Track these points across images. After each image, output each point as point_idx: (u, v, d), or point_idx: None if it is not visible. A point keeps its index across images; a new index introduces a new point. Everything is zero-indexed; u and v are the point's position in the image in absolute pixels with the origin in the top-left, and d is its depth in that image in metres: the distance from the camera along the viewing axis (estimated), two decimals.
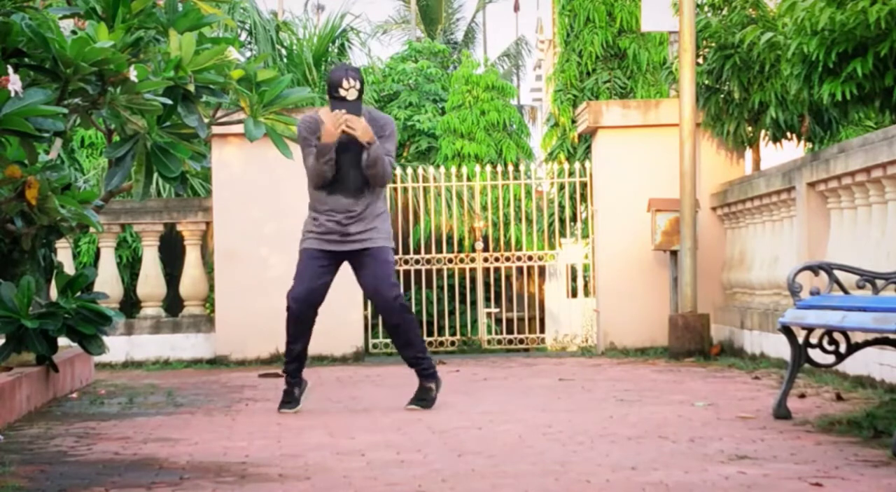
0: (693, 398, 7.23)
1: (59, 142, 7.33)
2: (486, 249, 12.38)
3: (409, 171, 12.15)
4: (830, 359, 6.22)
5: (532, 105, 48.84)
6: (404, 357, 7.03)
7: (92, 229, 6.74)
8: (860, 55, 7.64)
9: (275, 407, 7.30)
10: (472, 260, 12.14)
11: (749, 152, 11.31)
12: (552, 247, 13.13)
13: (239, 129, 5.99)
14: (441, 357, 11.12)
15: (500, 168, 12.42)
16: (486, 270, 12.36)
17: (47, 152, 7.32)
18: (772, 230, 9.74)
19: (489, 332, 13.63)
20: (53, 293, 7.18)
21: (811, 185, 8.57)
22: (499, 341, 12.08)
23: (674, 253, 10.82)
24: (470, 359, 11.02)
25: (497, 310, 14.25)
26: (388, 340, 11.82)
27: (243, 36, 16.41)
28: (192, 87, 5.45)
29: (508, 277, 14.11)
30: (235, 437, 5.92)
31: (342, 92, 6.77)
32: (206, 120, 5.72)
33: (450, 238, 12.92)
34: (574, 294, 14.43)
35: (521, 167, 12.30)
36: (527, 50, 44.97)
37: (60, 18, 5.09)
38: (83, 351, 7.51)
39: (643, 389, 7.97)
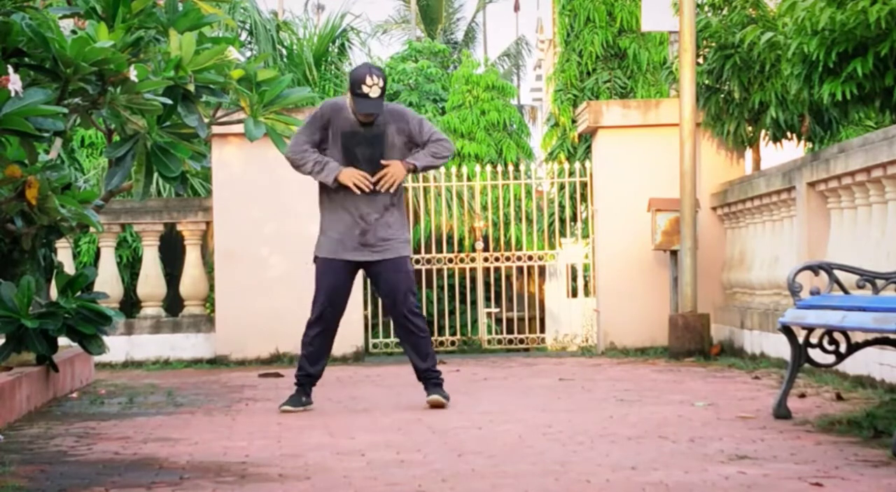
0: (693, 398, 7.23)
1: (59, 142, 7.34)
2: (486, 249, 12.38)
3: None
4: (830, 359, 6.22)
5: (532, 105, 48.85)
6: (415, 367, 7.03)
7: (92, 229, 6.74)
8: (860, 55, 7.64)
9: (275, 407, 7.30)
10: (473, 260, 12.14)
11: (749, 152, 11.31)
12: (552, 247, 13.13)
13: (239, 128, 5.99)
14: (441, 357, 11.11)
15: (500, 168, 12.42)
16: (487, 270, 12.36)
17: (47, 152, 7.32)
18: (772, 230, 9.74)
19: (489, 332, 13.62)
20: (53, 293, 7.18)
21: (811, 185, 8.57)
22: (499, 341, 12.08)
23: (674, 253, 10.82)
24: (470, 359, 11.02)
25: (497, 310, 14.26)
26: (388, 340, 11.84)
27: (244, 36, 16.41)
28: (192, 87, 5.45)
29: (508, 277, 14.12)
30: (235, 437, 5.91)
31: (365, 89, 6.73)
32: (206, 120, 5.72)
33: (450, 238, 12.93)
34: (574, 294, 14.44)
35: (522, 167, 12.30)
36: (527, 50, 45.00)
37: (60, 18, 5.10)
38: (83, 351, 7.51)
39: (643, 389, 7.96)
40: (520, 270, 13.32)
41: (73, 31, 5.04)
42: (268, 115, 5.94)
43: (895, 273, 6.20)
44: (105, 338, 7.25)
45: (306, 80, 16.38)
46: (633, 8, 15.85)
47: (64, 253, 10.96)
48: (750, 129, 10.74)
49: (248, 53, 16.00)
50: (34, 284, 6.71)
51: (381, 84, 6.76)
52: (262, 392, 8.27)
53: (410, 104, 20.15)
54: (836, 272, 6.25)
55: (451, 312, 13.22)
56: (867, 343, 6.27)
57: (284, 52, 16.99)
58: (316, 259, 7.06)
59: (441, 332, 12.05)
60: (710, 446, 5.28)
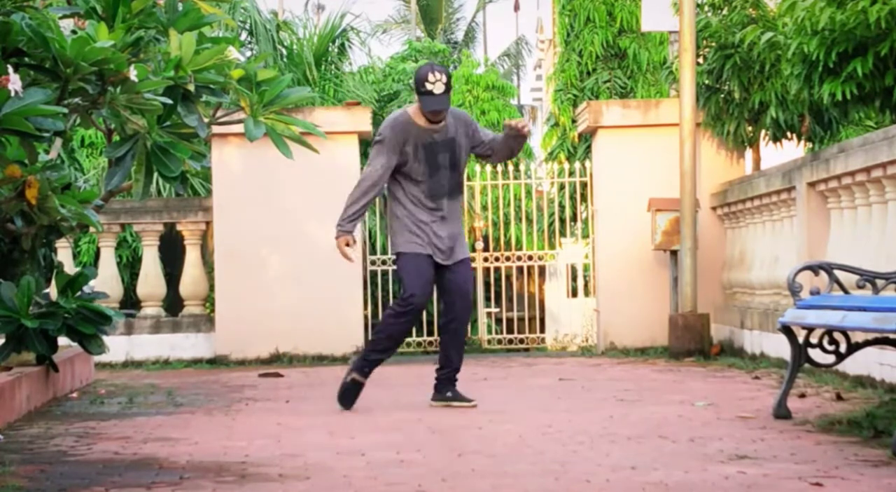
0: (693, 398, 7.23)
1: (59, 141, 7.33)
2: (486, 249, 12.38)
3: None
4: (830, 359, 6.22)
5: (532, 105, 48.84)
6: (446, 363, 7.07)
7: (92, 229, 6.73)
8: (860, 55, 7.64)
9: (275, 407, 7.31)
10: (472, 260, 12.14)
11: (749, 152, 11.31)
12: (552, 247, 13.13)
13: (239, 128, 5.98)
14: None
15: (500, 168, 12.43)
16: (487, 270, 12.36)
17: (47, 152, 7.31)
18: (772, 230, 9.74)
19: (489, 331, 13.62)
20: (53, 293, 7.18)
21: (811, 184, 8.57)
22: (499, 341, 12.08)
23: (674, 253, 10.82)
24: (470, 359, 11.01)
25: (497, 310, 14.27)
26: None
27: (244, 36, 16.40)
28: (192, 87, 5.45)
29: (508, 277, 14.11)
30: (235, 437, 5.91)
31: (429, 86, 6.79)
32: (206, 120, 5.72)
33: None
34: (574, 294, 14.43)
35: (522, 167, 12.30)
36: (527, 50, 45.00)
37: (60, 18, 5.09)
38: (83, 351, 7.51)
39: (643, 388, 7.96)
40: (520, 270, 13.31)
41: (73, 31, 5.03)
42: (268, 115, 5.93)
43: (895, 273, 6.21)
44: (105, 338, 7.25)
45: (306, 79, 16.37)
46: (633, 8, 15.85)
47: (64, 253, 10.96)
48: (750, 129, 10.74)
49: (248, 53, 15.99)
50: (34, 283, 6.71)
51: (445, 79, 6.83)
52: (262, 392, 8.26)
53: (410, 103, 20.12)
54: (836, 272, 6.26)
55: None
56: (867, 343, 6.27)
57: (284, 51, 16.99)
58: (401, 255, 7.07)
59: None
60: (710, 445, 5.28)
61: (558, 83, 16.68)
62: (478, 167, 12.70)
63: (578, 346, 12.39)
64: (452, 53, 30.84)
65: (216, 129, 8.39)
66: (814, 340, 6.19)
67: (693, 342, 10.36)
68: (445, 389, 7.02)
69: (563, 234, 13.47)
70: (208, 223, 11.42)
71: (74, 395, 8.11)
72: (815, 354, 6.21)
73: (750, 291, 10.21)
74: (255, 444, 5.62)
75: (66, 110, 4.91)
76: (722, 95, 10.67)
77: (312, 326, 11.04)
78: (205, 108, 5.79)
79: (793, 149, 11.12)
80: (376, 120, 15.39)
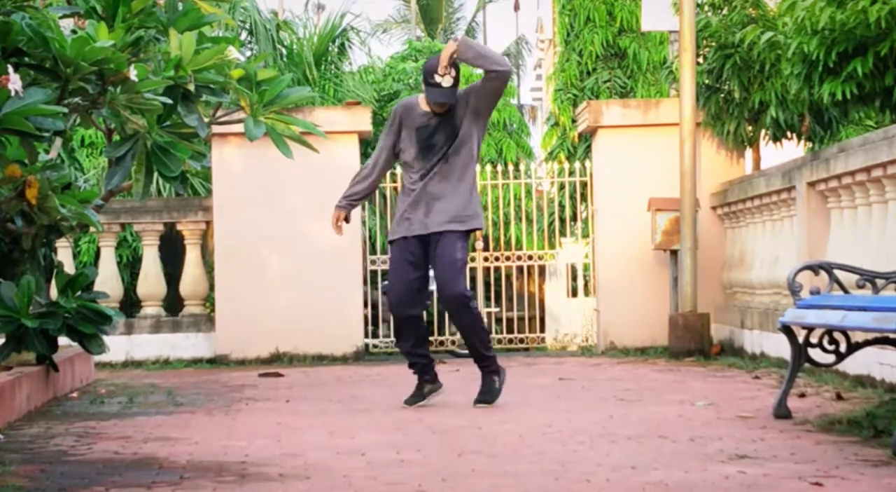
0: (693, 398, 7.23)
1: (59, 141, 7.33)
2: (486, 249, 12.37)
3: None
4: (830, 358, 6.22)
5: (532, 104, 48.84)
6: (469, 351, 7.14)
7: (92, 229, 6.73)
8: (860, 55, 7.64)
9: (275, 406, 7.31)
10: (472, 259, 12.14)
11: (749, 152, 11.31)
12: (552, 246, 13.13)
13: (239, 128, 5.98)
14: (441, 357, 11.11)
15: (500, 167, 12.42)
16: (486, 270, 12.35)
17: (47, 152, 7.32)
18: (772, 230, 9.74)
19: (489, 331, 13.59)
20: (53, 293, 7.18)
21: (811, 184, 8.56)
22: (499, 341, 12.07)
23: (674, 252, 10.82)
24: (470, 358, 11.00)
25: (497, 309, 14.24)
26: (388, 340, 11.83)
27: (244, 35, 16.39)
28: (192, 87, 5.45)
29: (508, 277, 14.10)
30: (235, 436, 5.91)
31: (437, 78, 6.82)
32: (206, 119, 5.72)
33: None
34: (574, 294, 14.42)
35: (522, 167, 12.30)
36: (527, 49, 45.00)
37: (60, 18, 5.09)
38: (83, 350, 7.51)
39: (643, 388, 7.97)
40: (520, 269, 13.31)
41: (73, 31, 5.03)
42: (268, 114, 5.93)
43: (895, 273, 6.20)
44: (105, 337, 7.25)
45: (306, 79, 16.36)
46: (633, 7, 15.85)
47: (64, 253, 10.96)
48: (750, 128, 10.74)
49: (248, 53, 15.99)
50: (34, 283, 6.71)
51: (454, 73, 6.86)
52: (262, 392, 8.26)
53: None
54: (836, 272, 6.25)
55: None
56: (867, 343, 6.27)
57: (284, 51, 16.98)
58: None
59: (441, 331, 12.03)
60: (710, 445, 5.28)
61: (558, 83, 16.68)
62: (478, 167, 12.68)
63: (578, 345, 12.38)
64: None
65: (216, 128, 8.40)
66: (814, 339, 6.19)
67: (693, 342, 10.36)
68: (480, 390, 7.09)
69: (563, 233, 13.47)
70: (208, 223, 11.42)
71: (74, 394, 8.11)
72: (815, 353, 6.21)
73: (750, 290, 10.21)
74: (255, 444, 5.62)
75: (66, 110, 4.91)
76: (722, 95, 10.67)
77: (312, 325, 11.04)
78: (205, 108, 5.79)
79: (793, 149, 11.12)
80: (376, 120, 15.39)
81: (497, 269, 12.60)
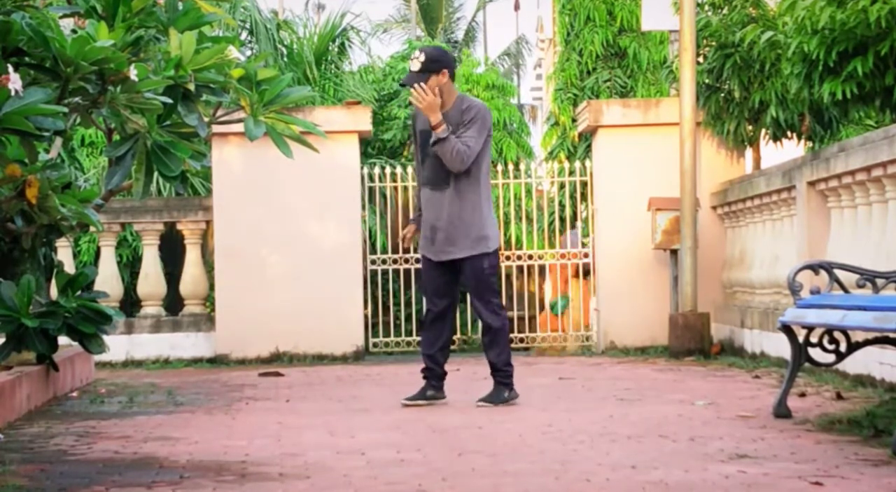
0: (693, 397, 7.23)
1: (59, 141, 7.33)
2: None
3: (410, 170, 12.14)
4: (831, 358, 6.22)
5: (532, 104, 48.81)
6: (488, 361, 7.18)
7: (92, 228, 6.73)
8: (860, 54, 7.64)
9: (275, 406, 7.31)
10: None
11: (749, 151, 11.31)
12: (552, 246, 13.12)
13: (239, 128, 5.97)
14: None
15: (500, 167, 12.41)
16: None
17: (47, 151, 7.31)
18: (772, 229, 9.74)
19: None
20: (53, 292, 7.18)
21: (811, 184, 8.56)
22: None
23: (674, 252, 10.82)
24: (470, 358, 11.01)
25: None
26: (388, 340, 11.82)
27: (244, 35, 16.39)
28: (192, 87, 5.44)
29: (508, 276, 14.09)
30: (235, 436, 5.91)
31: (409, 63, 7.08)
32: (206, 119, 5.71)
33: None
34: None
35: (522, 166, 12.29)
36: (527, 49, 44.97)
37: (60, 17, 5.09)
38: (83, 350, 7.51)
39: (643, 388, 7.97)
40: (520, 269, 13.30)
41: (74, 31, 5.03)
42: (268, 114, 5.92)
43: (895, 273, 6.20)
44: (105, 337, 7.25)
45: (306, 79, 16.36)
46: (633, 7, 15.83)
47: (64, 252, 10.96)
48: (750, 128, 10.74)
49: (249, 52, 15.98)
50: (34, 283, 6.70)
51: (422, 58, 6.98)
52: (262, 391, 8.27)
53: (410, 103, 20.17)
54: (837, 271, 6.26)
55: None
56: (867, 342, 6.27)
57: (284, 51, 16.98)
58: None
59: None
60: (710, 445, 5.29)
61: (558, 82, 16.66)
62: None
63: (578, 345, 12.37)
64: (453, 53, 30.85)
65: (216, 128, 8.39)
66: (814, 339, 6.19)
67: (693, 342, 10.36)
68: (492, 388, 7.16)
69: (563, 233, 13.45)
70: (208, 222, 11.42)
71: (75, 394, 8.11)
72: (815, 353, 6.21)
73: (750, 290, 10.21)
74: (255, 443, 5.62)
75: (66, 110, 4.91)
76: (722, 95, 10.67)
77: (312, 325, 11.04)
78: (205, 108, 5.79)
79: (793, 148, 11.12)
80: (376, 119, 15.40)
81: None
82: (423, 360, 7.22)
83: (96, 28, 4.96)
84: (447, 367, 7.27)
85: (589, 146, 12.62)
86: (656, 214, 10.80)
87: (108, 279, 11.04)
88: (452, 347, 11.85)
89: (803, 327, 6.17)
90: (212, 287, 11.46)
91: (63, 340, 7.26)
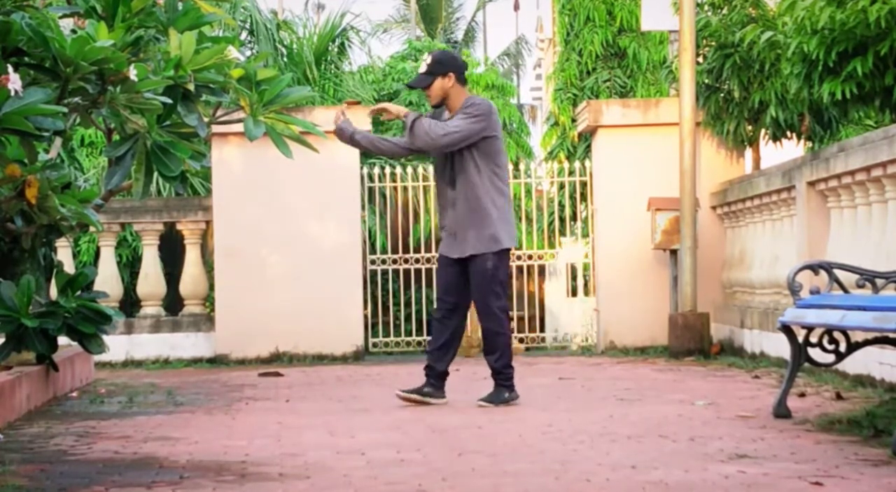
0: (693, 397, 7.23)
1: (58, 141, 7.33)
2: None
3: (409, 170, 12.14)
4: (830, 358, 6.22)
5: (532, 104, 48.82)
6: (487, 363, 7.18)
7: (92, 228, 6.73)
8: (860, 54, 7.64)
9: (275, 406, 7.31)
10: None
11: (749, 151, 11.31)
12: (552, 246, 13.13)
13: (239, 128, 5.98)
14: None
15: None
16: None
17: (47, 151, 7.31)
18: (772, 229, 9.74)
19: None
20: (53, 292, 7.18)
21: (811, 184, 8.56)
22: None
23: (674, 252, 10.82)
24: (470, 358, 11.01)
25: None
26: (388, 340, 11.82)
27: (244, 35, 16.40)
28: (191, 87, 5.44)
29: (509, 276, 14.13)
30: (235, 436, 5.91)
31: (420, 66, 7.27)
32: (205, 119, 5.71)
33: None
34: (574, 293, 14.42)
35: (521, 166, 12.30)
36: (527, 49, 44.97)
37: (60, 17, 5.09)
38: (83, 350, 7.51)
39: (643, 388, 7.97)
40: (520, 269, 13.30)
41: (73, 31, 5.03)
42: (268, 114, 5.92)
43: (895, 272, 6.20)
44: (105, 337, 7.25)
45: (306, 79, 16.36)
46: (632, 7, 15.84)
47: (64, 252, 10.96)
48: (750, 128, 10.74)
49: (248, 53, 15.99)
50: (34, 283, 6.70)
51: (429, 61, 7.14)
52: (262, 391, 8.26)
53: (410, 103, 20.18)
54: (836, 271, 6.26)
55: None
56: (867, 342, 6.27)
57: (284, 51, 16.98)
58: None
59: None
60: (710, 445, 5.28)
61: (558, 82, 16.67)
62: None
63: (578, 345, 12.39)
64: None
65: (216, 128, 8.40)
66: (814, 339, 6.19)
67: (693, 342, 10.36)
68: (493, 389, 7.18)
69: (562, 233, 13.47)
70: (208, 223, 11.42)
71: (74, 394, 8.11)
72: (814, 353, 6.21)
73: (750, 290, 10.21)
74: (255, 443, 5.62)
75: (65, 110, 4.91)
76: (722, 95, 10.67)
77: (312, 325, 11.04)
78: (205, 108, 5.79)
79: (792, 148, 11.12)
80: (376, 120, 15.38)
81: None
82: (428, 359, 7.23)
83: (96, 28, 4.96)
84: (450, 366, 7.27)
85: (589, 146, 12.63)
86: (656, 214, 10.80)
87: (107, 279, 11.04)
88: None
89: (803, 327, 6.17)
90: (212, 287, 11.46)
91: (63, 340, 7.26)
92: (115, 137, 5.81)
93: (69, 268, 9.62)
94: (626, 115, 11.36)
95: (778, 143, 10.60)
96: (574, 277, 14.23)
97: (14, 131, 4.63)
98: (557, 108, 16.55)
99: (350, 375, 9.54)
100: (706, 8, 10.73)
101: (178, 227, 11.48)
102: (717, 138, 11.03)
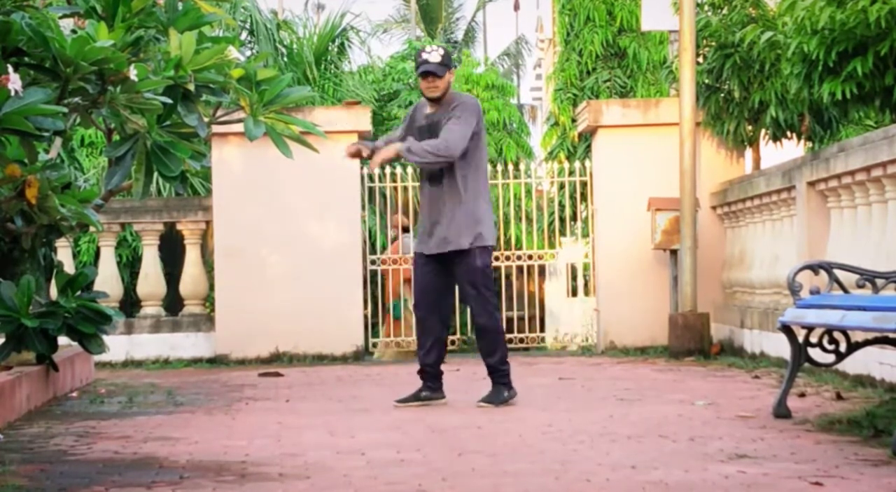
0: (693, 397, 7.23)
1: (58, 141, 7.33)
2: None
3: (410, 170, 12.14)
4: (830, 358, 6.22)
5: (532, 104, 48.82)
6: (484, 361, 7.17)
7: (92, 228, 6.73)
8: (860, 54, 7.64)
9: (275, 406, 7.31)
10: None
11: (749, 151, 11.31)
12: (552, 246, 13.13)
13: (239, 128, 5.97)
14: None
15: (500, 167, 12.42)
16: None
17: (47, 151, 7.32)
18: (772, 229, 9.74)
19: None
20: (53, 292, 7.18)
21: (811, 184, 8.56)
22: None
23: (674, 252, 10.81)
24: (470, 358, 11.01)
25: None
26: (388, 340, 11.83)
27: (244, 35, 16.41)
28: (192, 87, 5.44)
29: (508, 276, 14.10)
30: (235, 436, 5.91)
31: (424, 55, 7.09)
32: (206, 119, 5.71)
33: None
34: (574, 293, 14.44)
35: (521, 166, 12.30)
36: (527, 49, 44.96)
37: (60, 17, 5.09)
38: (83, 350, 7.51)
39: (643, 388, 7.97)
40: (520, 269, 13.30)
41: (73, 31, 5.03)
42: (268, 114, 5.92)
43: (895, 273, 6.20)
44: (105, 337, 7.25)
45: (306, 79, 16.38)
46: (633, 7, 15.85)
47: (64, 252, 10.96)
48: (750, 128, 10.74)
49: (249, 53, 16.00)
50: (34, 283, 6.70)
51: (441, 51, 7.13)
52: (262, 392, 8.27)
53: (410, 103, 20.19)
54: (836, 271, 6.26)
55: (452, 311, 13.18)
56: (867, 342, 6.27)
57: (284, 51, 16.99)
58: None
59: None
60: (710, 445, 5.29)
61: (558, 82, 16.68)
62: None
63: (578, 345, 12.39)
64: (452, 53, 30.86)
65: (216, 128, 8.39)
66: (814, 339, 6.19)
67: (693, 342, 10.36)
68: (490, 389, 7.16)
69: (562, 233, 13.47)
70: (208, 223, 11.42)
71: (74, 394, 8.11)
72: (814, 353, 6.21)
73: (750, 290, 10.21)
74: (255, 443, 5.62)
75: (66, 110, 4.91)
76: (722, 95, 10.67)
77: (312, 325, 11.04)
78: (205, 108, 5.79)
79: (793, 148, 11.12)
80: (376, 119, 15.40)
81: (497, 268, 12.60)
82: (418, 361, 7.24)
83: (96, 28, 4.96)
84: (445, 366, 7.27)
85: (589, 146, 12.63)
86: (656, 214, 10.80)
87: (107, 279, 11.04)
88: (452, 347, 11.91)
89: (803, 327, 6.17)
90: (212, 287, 11.46)
91: (63, 340, 7.27)
92: (115, 137, 5.81)
93: (69, 268, 9.62)
94: (626, 115, 11.36)
95: (778, 143, 10.60)
96: (574, 277, 14.24)
97: (14, 131, 4.63)
98: (557, 108, 16.55)
99: (350, 375, 9.54)
100: (706, 8, 10.73)
101: (178, 227, 11.48)
102: (717, 138, 11.03)
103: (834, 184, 8.16)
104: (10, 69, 4.52)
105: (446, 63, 7.07)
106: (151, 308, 11.44)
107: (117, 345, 10.65)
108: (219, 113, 6.19)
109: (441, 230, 7.07)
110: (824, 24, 7.56)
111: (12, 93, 4.47)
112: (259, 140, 6.06)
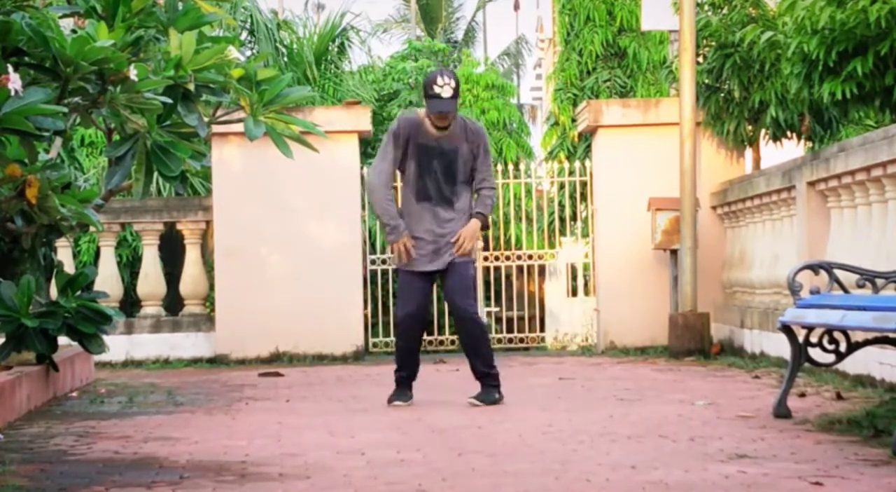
0: (693, 397, 7.23)
1: (59, 141, 7.33)
2: (486, 248, 12.37)
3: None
4: (830, 358, 6.22)
5: (532, 104, 48.80)
6: (472, 367, 7.16)
7: (92, 228, 6.73)
8: (860, 54, 7.64)
9: (275, 406, 7.31)
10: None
11: (749, 151, 11.31)
12: (552, 246, 13.13)
13: (239, 128, 5.97)
14: (441, 356, 11.12)
15: (500, 167, 12.42)
16: (486, 269, 12.35)
17: (47, 151, 7.31)
18: (772, 229, 9.74)
19: (489, 331, 13.60)
20: (53, 292, 7.18)
21: (811, 184, 8.56)
22: (499, 340, 12.07)
23: (674, 252, 10.82)
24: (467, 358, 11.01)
25: (497, 309, 14.25)
26: (388, 340, 11.83)
27: (244, 35, 16.40)
28: (192, 87, 5.44)
29: (508, 276, 14.10)
30: (235, 436, 5.91)
31: (437, 89, 6.93)
32: (206, 119, 5.71)
33: None
34: (574, 293, 14.41)
35: (522, 166, 12.30)
36: (527, 49, 44.95)
37: (60, 17, 5.09)
38: (83, 350, 7.51)
39: (643, 388, 7.97)
40: (520, 269, 13.31)
41: (73, 31, 5.03)
42: (268, 114, 5.92)
43: (895, 272, 6.20)
44: (105, 337, 7.25)
45: (306, 79, 16.37)
46: (633, 7, 15.85)
47: (64, 252, 10.96)
48: (750, 128, 10.74)
49: (249, 53, 16.00)
50: (34, 283, 6.70)
51: (454, 84, 6.97)
52: (262, 391, 8.27)
53: (410, 103, 20.19)
54: (836, 271, 6.26)
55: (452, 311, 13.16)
56: (867, 342, 6.27)
57: (284, 51, 16.98)
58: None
59: (441, 331, 12.04)
60: (710, 445, 5.29)
61: (558, 82, 16.67)
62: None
63: (578, 345, 12.39)
64: (452, 53, 30.84)
65: (216, 128, 8.39)
66: (814, 339, 6.19)
67: (693, 342, 10.36)
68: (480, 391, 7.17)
69: (562, 233, 13.47)
70: (208, 222, 11.42)
71: (74, 394, 8.11)
72: (815, 353, 6.21)
73: (750, 290, 10.21)
74: (255, 443, 5.62)
75: (66, 110, 4.91)
76: (722, 95, 10.67)
77: (312, 325, 11.04)
78: (205, 108, 5.78)
79: (793, 148, 11.12)
80: (376, 119, 15.39)
81: (497, 268, 12.61)
82: (402, 367, 7.19)
83: (96, 28, 4.96)
84: (445, 366, 7.29)
85: (589, 146, 12.63)
86: (656, 214, 10.80)
87: (107, 279, 11.04)
88: (451, 347, 11.92)
89: (803, 327, 6.17)
90: (212, 287, 11.46)
91: (63, 340, 7.26)
92: (115, 137, 5.81)
93: (69, 268, 9.62)
94: (626, 115, 11.36)
95: (778, 143, 10.60)
96: (574, 277, 14.22)
97: (14, 131, 4.63)
98: (557, 108, 16.54)
99: (350, 375, 9.54)
100: (706, 8, 10.73)
101: (178, 227, 11.48)
102: (717, 138, 11.03)
103: (834, 184, 8.16)
104: (10, 69, 4.52)
105: (458, 93, 7.01)
106: (151, 308, 11.44)
107: (117, 345, 10.65)
108: (219, 113, 6.19)
109: (442, 245, 7.05)
110: (824, 24, 7.56)
111: (12, 93, 4.46)
112: (259, 140, 6.05)
